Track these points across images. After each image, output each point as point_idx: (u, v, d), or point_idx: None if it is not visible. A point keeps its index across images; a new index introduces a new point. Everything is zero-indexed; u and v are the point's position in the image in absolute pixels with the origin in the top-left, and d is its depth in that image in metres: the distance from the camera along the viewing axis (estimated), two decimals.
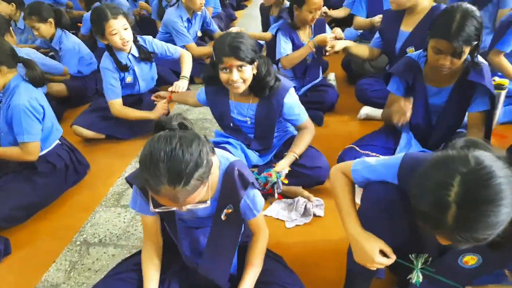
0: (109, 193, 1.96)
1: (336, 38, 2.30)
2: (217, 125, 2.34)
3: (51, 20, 2.73)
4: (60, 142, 1.93)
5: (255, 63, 1.58)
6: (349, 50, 2.31)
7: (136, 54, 2.30)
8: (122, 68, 2.25)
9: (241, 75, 1.55)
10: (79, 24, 3.68)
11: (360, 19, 2.87)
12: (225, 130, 1.92)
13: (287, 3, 2.87)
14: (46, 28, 2.73)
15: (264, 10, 3.10)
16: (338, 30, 2.33)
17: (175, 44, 2.93)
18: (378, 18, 2.61)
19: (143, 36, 2.39)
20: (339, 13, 3.56)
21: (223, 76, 1.57)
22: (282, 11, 2.82)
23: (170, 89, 2.24)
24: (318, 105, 2.42)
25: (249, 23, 4.86)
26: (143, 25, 4.06)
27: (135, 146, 2.37)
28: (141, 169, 0.92)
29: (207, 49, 3.09)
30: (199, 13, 3.05)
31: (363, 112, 2.35)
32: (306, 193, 1.73)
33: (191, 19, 3.02)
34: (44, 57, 2.64)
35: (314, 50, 2.28)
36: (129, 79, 2.34)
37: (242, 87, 1.60)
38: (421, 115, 1.75)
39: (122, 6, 3.82)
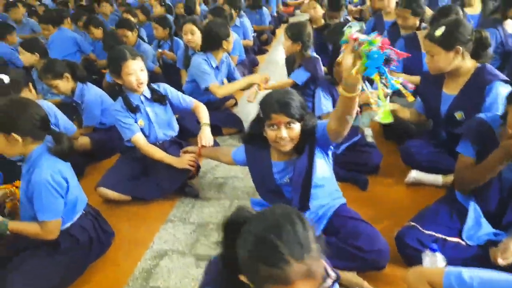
0: (137, 270, 1.76)
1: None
2: (249, 184, 2.19)
3: (67, 75, 2.63)
4: (84, 212, 1.76)
5: (303, 121, 1.50)
6: (395, 113, 2.16)
7: (149, 95, 2.22)
8: (132, 109, 2.15)
9: (289, 133, 1.48)
10: (103, 70, 3.63)
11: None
12: (264, 196, 1.75)
13: (311, 54, 2.76)
14: (64, 84, 2.64)
15: (290, 61, 3.00)
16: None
17: (199, 90, 2.88)
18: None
19: (158, 83, 2.34)
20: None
21: (270, 133, 1.51)
22: (306, 61, 2.72)
23: (200, 143, 2.12)
24: (361, 167, 2.25)
25: (271, 67, 4.80)
26: (167, 73, 4.00)
27: (163, 209, 2.19)
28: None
29: (234, 86, 2.90)
30: (225, 60, 2.96)
31: (412, 176, 2.15)
32: (365, 284, 1.51)
33: (219, 67, 2.92)
34: (56, 113, 2.45)
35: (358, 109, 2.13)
36: (141, 122, 2.21)
37: (289, 145, 1.52)
38: (493, 188, 1.55)
39: (147, 52, 3.79)
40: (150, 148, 2.18)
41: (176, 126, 2.41)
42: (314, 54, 2.80)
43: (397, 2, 4.35)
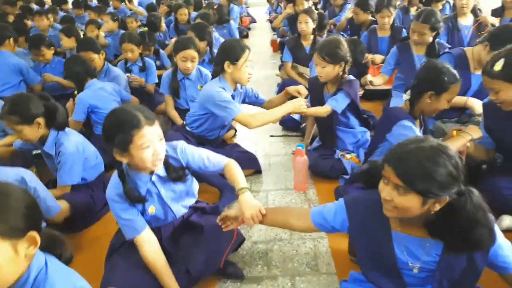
0: None
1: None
2: (303, 250, 1.67)
3: (40, 120, 1.89)
4: None
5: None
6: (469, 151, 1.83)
7: (163, 174, 1.53)
8: (135, 199, 1.47)
9: (394, 197, 1.08)
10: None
11: None
12: (368, 273, 1.27)
13: (348, 77, 2.34)
14: (32, 132, 1.90)
15: (316, 86, 2.51)
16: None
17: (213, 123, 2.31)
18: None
19: (173, 143, 1.59)
20: (377, 80, 3.16)
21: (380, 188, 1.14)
22: (347, 84, 2.28)
23: (245, 221, 1.47)
24: None
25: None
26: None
27: None
28: None
29: (271, 115, 2.19)
30: (240, 90, 2.40)
31: (505, 224, 1.79)
32: None
33: (234, 95, 2.35)
34: (37, 188, 1.73)
35: None
36: (152, 209, 1.54)
37: (392, 213, 1.13)
38: None
39: (119, 79, 3.08)
40: (156, 263, 1.48)
41: (197, 188, 1.74)
42: (351, 76, 2.38)
43: (372, 12, 4.22)
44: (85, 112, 2.59)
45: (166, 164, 1.52)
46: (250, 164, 2.46)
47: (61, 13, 6.84)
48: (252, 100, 2.49)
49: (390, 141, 1.87)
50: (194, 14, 5.77)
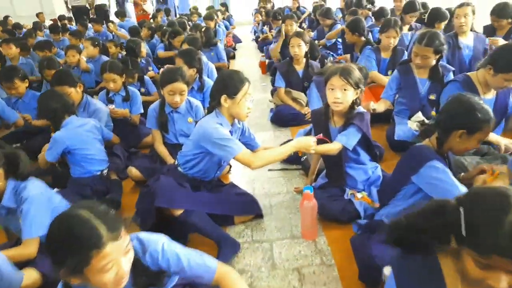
0: None
1: None
2: None
3: None
4: None
5: None
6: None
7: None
8: None
9: None
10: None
11: None
12: None
13: (357, 108, 2.12)
14: None
15: (320, 119, 2.27)
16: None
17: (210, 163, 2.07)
18: None
19: (149, 238, 1.20)
20: (380, 107, 2.98)
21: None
22: (358, 117, 2.07)
23: None
24: None
25: None
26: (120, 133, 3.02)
27: None
28: None
29: (275, 154, 1.98)
30: (238, 126, 2.15)
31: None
32: None
33: (232, 132, 2.10)
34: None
35: None
36: None
37: None
38: None
39: (100, 112, 2.81)
40: None
41: None
42: (361, 107, 2.16)
43: (362, 35, 4.09)
44: (60, 153, 2.30)
45: (137, 275, 1.14)
46: (251, 209, 2.19)
47: (39, 37, 6.57)
48: (245, 140, 2.22)
49: (416, 183, 1.65)
50: None
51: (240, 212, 2.16)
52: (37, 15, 9.35)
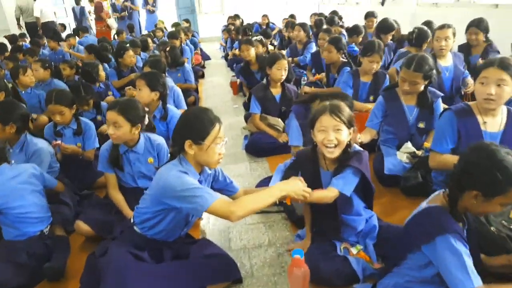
0: None
1: None
2: None
3: None
4: None
5: None
6: None
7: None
8: None
9: None
10: None
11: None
12: None
13: (353, 146, 1.79)
14: None
15: (307, 161, 1.91)
16: None
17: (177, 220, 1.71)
18: None
19: None
20: (366, 137, 2.70)
21: None
22: (356, 158, 1.73)
23: None
24: None
25: None
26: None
27: None
28: None
29: (257, 201, 1.55)
30: (209, 171, 1.77)
31: None
32: None
33: (202, 181, 1.71)
34: None
35: None
36: None
37: None
38: None
39: (42, 155, 2.35)
40: None
41: None
42: (357, 146, 1.84)
43: (344, 53, 3.88)
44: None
45: None
46: (226, 275, 1.79)
47: None
48: (220, 187, 1.85)
49: (427, 255, 1.33)
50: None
51: (213, 281, 1.75)
52: None
